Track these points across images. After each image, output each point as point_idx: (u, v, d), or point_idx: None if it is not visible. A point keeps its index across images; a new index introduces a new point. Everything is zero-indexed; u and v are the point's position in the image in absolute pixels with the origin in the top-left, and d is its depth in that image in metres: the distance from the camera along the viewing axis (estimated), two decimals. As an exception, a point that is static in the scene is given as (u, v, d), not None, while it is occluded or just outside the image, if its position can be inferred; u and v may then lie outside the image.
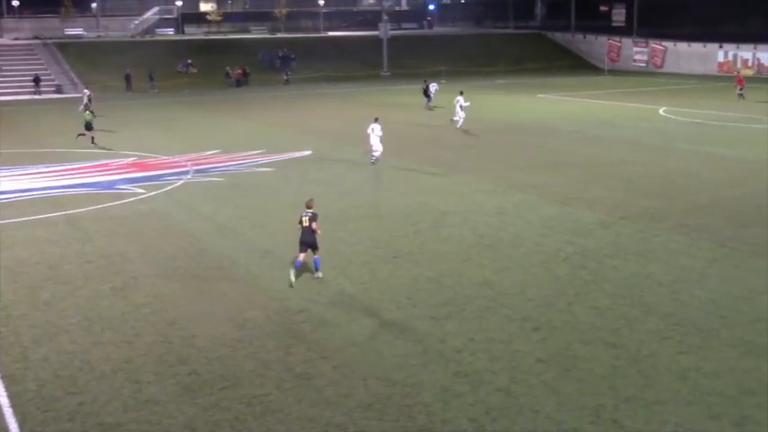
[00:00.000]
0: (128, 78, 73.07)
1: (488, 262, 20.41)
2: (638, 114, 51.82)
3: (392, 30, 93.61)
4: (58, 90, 72.46)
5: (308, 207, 19.53)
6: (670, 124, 46.76)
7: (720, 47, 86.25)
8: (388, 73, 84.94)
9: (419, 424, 12.32)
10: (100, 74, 75.83)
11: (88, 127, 41.15)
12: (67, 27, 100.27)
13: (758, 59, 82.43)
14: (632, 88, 67.22)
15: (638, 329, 15.89)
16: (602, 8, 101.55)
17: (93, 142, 40.50)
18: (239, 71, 78.80)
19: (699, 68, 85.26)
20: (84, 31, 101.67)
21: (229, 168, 34.03)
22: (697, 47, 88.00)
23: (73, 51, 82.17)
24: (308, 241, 19.25)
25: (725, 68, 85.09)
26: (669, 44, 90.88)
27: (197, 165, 34.84)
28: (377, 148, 34.23)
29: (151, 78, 73.90)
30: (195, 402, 13.09)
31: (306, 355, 14.89)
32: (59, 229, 24.43)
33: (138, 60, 78.84)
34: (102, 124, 44.26)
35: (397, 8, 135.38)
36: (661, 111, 53.04)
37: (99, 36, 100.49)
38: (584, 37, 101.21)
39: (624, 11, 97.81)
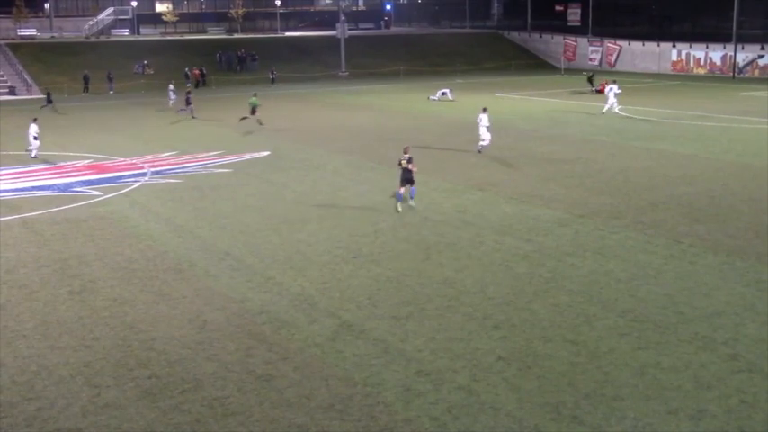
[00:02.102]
0: (86, 80, 72.18)
1: (448, 261, 20.48)
2: (594, 113, 52.27)
3: (349, 30, 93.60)
4: (12, 92, 71.46)
5: (405, 152, 25.56)
6: (625, 122, 47.23)
7: (674, 46, 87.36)
8: (346, 73, 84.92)
9: (381, 423, 12.34)
10: (55, 75, 74.94)
11: (253, 111, 46.69)
12: (20, 28, 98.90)
13: (710, 58, 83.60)
14: (588, 87, 67.75)
15: (596, 326, 16.05)
16: (558, 8, 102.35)
17: (260, 123, 46.23)
18: (197, 72, 78.28)
19: (653, 67, 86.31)
20: (38, 31, 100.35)
21: (187, 170, 33.81)
22: (651, 46, 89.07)
23: (26, 52, 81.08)
24: (408, 177, 25.41)
25: (678, 67, 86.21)
26: (624, 43, 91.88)
27: (154, 166, 34.57)
28: (485, 137, 35.67)
29: (110, 79, 73.16)
30: (155, 406, 13.00)
31: (266, 356, 14.85)
32: (15, 232, 24.11)
33: (93, 62, 78.06)
34: (57, 127, 43.76)
35: (354, 8, 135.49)
36: (616, 109, 53.54)
37: (53, 37, 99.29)
38: (541, 36, 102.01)
39: (579, 10, 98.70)
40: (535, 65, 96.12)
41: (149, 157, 36.77)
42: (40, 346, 15.53)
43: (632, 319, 16.39)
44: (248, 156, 36.82)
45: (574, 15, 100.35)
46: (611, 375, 13.82)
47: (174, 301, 17.93)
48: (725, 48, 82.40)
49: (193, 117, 51.20)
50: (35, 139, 36.80)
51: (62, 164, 35.66)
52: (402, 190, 25.59)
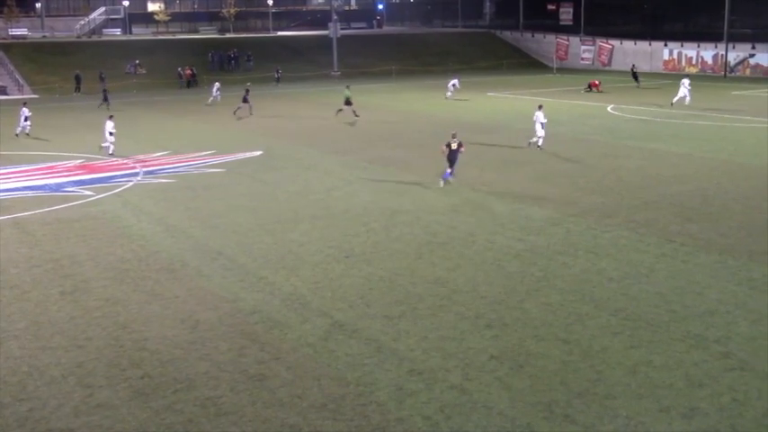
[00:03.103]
0: (77, 79, 71.95)
1: (440, 260, 20.49)
2: (587, 112, 52.37)
3: (342, 29, 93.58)
4: (3, 91, 71.23)
5: (454, 137, 29.04)
6: (617, 121, 47.32)
7: (665, 45, 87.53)
8: (338, 72, 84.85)
9: (373, 423, 12.34)
10: (47, 75, 74.75)
11: (348, 102, 48.84)
12: (11, 28, 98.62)
13: (702, 57, 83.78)
14: (580, 86, 67.87)
15: (589, 325, 16.07)
16: (550, 7, 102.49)
17: (355, 115, 48.24)
18: (189, 71, 78.14)
19: (645, 66, 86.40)
20: (29, 31, 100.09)
21: (179, 170, 33.76)
22: (643, 45, 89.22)
23: (17, 52, 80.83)
24: (454, 158, 28.94)
25: (670, 66, 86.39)
26: (616, 42, 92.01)
27: (146, 166, 34.52)
28: (539, 133, 36.57)
29: (102, 79, 72.94)
30: (148, 406, 12.98)
31: (259, 356, 14.84)
32: (6, 233, 24.04)
33: (85, 61, 77.89)
34: (49, 127, 43.68)
35: (347, 8, 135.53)
36: (609, 108, 53.67)
37: (44, 36, 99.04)
38: (533, 35, 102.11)
39: (571, 9, 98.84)
40: (527, 64, 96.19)
41: (141, 157, 36.70)
42: (32, 346, 15.49)
43: (624, 317, 16.42)
44: (240, 155, 36.79)
45: (566, 14, 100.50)
46: (604, 374, 13.84)
47: (167, 300, 17.90)
48: (716, 47, 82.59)
49: (251, 113, 51.85)
50: (111, 134, 37.13)
51: (53, 164, 35.56)
52: (449, 170, 28.94)
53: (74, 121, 51.78)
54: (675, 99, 52.92)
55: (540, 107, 37.38)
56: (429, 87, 64.28)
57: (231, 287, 18.69)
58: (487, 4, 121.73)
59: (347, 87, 52.03)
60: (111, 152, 37.19)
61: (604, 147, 37.77)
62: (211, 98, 59.70)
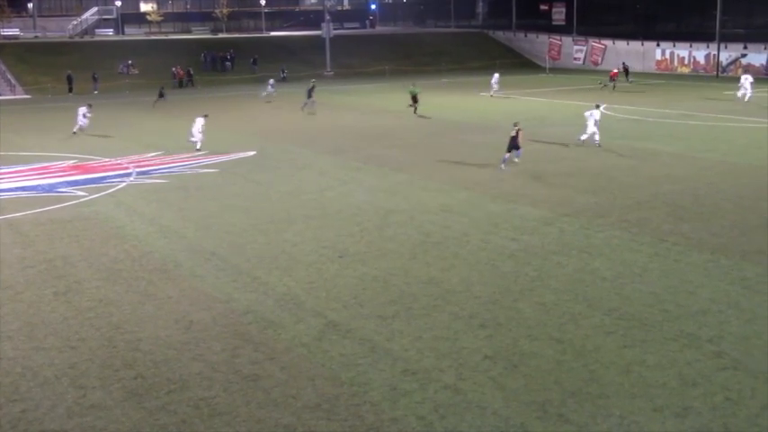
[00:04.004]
0: (69, 80, 71.82)
1: (434, 260, 20.50)
2: (579, 111, 52.31)
3: (335, 29, 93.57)
4: (-6, 92, 71.21)
5: (516, 125, 32.77)
6: (610, 121, 47.30)
7: (658, 45, 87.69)
8: (332, 72, 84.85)
9: (367, 423, 12.34)
10: (39, 75, 74.60)
11: (415, 99, 51.26)
12: (3, 28, 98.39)
13: (694, 57, 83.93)
14: (573, 86, 67.99)
15: (582, 324, 16.10)
16: (543, 7, 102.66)
17: (415, 112, 50.54)
18: (181, 71, 77.96)
19: (637, 66, 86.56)
20: (21, 31, 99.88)
21: (173, 170, 33.72)
22: (635, 45, 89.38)
23: (9, 52, 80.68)
24: (515, 144, 32.52)
25: (662, 66, 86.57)
26: (608, 42, 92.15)
27: (140, 166, 34.47)
28: (589, 131, 37.60)
29: (94, 79, 72.83)
30: (141, 406, 12.96)
31: (253, 356, 14.83)
32: (-1, 233, 24.00)
33: (77, 62, 77.74)
34: (41, 126, 43.60)
35: (339, 8, 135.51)
36: (601, 108, 53.67)
37: (36, 36, 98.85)
38: (526, 35, 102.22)
39: (564, 9, 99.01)
40: (520, 64, 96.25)
41: (135, 158, 36.65)
42: (25, 347, 15.46)
43: (618, 317, 16.45)
44: (234, 156, 36.76)
45: (558, 15, 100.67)
46: (597, 373, 13.87)
47: (160, 301, 17.88)
48: (708, 47, 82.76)
49: (311, 113, 52.84)
50: (200, 132, 38.20)
51: (47, 164, 35.48)
52: (507, 155, 32.51)
53: (67, 121, 51.56)
54: (743, 96, 53.98)
55: (597, 106, 39.57)
56: (422, 87, 64.17)
57: (225, 287, 18.67)
58: (480, 4, 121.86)
59: (413, 84, 53.94)
60: (198, 147, 37.95)
61: (597, 146, 37.77)
62: (266, 93, 62.50)
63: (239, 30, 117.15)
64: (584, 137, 37.72)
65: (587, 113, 38.22)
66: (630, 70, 73.80)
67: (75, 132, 44.27)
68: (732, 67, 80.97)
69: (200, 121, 38.45)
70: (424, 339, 15.46)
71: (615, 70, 68.63)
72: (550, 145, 38.57)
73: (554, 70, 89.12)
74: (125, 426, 12.40)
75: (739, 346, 14.94)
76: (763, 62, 79.23)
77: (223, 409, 12.82)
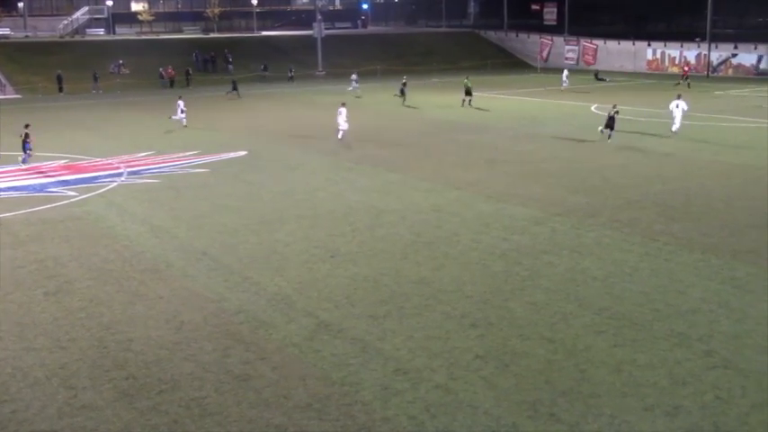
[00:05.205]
0: (59, 79, 71.61)
1: (425, 260, 20.51)
2: (571, 111, 52.54)
3: (326, 29, 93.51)
4: (-14, 91, 70.95)
5: (614, 107, 39.40)
6: (601, 121, 47.33)
7: (649, 45, 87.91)
8: (323, 72, 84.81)
9: (359, 423, 12.34)
10: (30, 75, 74.37)
11: (468, 92, 54.96)
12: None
13: (685, 57, 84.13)
14: (557, 85, 68.07)
15: (573, 324, 16.13)
16: (534, 7, 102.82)
17: (469, 104, 54.69)
18: (172, 72, 77.70)
19: (629, 66, 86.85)
20: (12, 31, 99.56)
21: (164, 170, 33.66)
22: (626, 45, 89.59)
23: (0, 52, 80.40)
24: (610, 125, 38.57)
25: (653, 66, 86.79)
26: (600, 42, 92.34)
27: (131, 166, 34.40)
28: (678, 122, 40.08)
29: (95, 78, 72.62)
30: (133, 407, 12.94)
31: (244, 356, 14.82)
32: (-11, 233, 23.92)
33: (68, 61, 77.52)
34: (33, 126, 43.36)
35: (331, 8, 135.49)
36: (593, 108, 53.83)
37: (27, 36, 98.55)
38: (517, 35, 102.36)
39: (555, 9, 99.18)
40: (512, 64, 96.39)
41: (126, 157, 36.57)
42: (16, 347, 15.42)
43: (609, 316, 16.48)
44: (225, 155, 36.71)
45: (550, 14, 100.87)
46: (588, 373, 13.89)
47: (151, 301, 17.85)
48: (699, 47, 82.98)
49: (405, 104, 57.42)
50: (345, 121, 39.76)
51: (38, 164, 35.35)
52: (604, 129, 38.75)
53: (58, 121, 51.48)
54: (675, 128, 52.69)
55: (678, 96, 41.25)
56: (412, 87, 64.20)
57: (216, 287, 18.65)
58: (472, 4, 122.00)
59: (467, 78, 58.05)
60: (340, 137, 39.64)
61: (588, 146, 37.88)
62: (351, 88, 65.22)
63: (231, 29, 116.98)
64: (675, 127, 40.18)
65: (672, 104, 40.66)
66: (622, 70, 74.11)
67: (185, 126, 46.72)
68: (723, 67, 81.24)
69: (344, 111, 39.79)
70: (416, 339, 15.47)
71: (687, 68, 72.57)
72: (541, 145, 38.62)
73: (545, 70, 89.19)
74: (116, 426, 12.37)
75: (729, 345, 14.98)
76: (754, 62, 79.51)
77: (214, 410, 12.81)
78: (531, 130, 43.68)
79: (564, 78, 69.50)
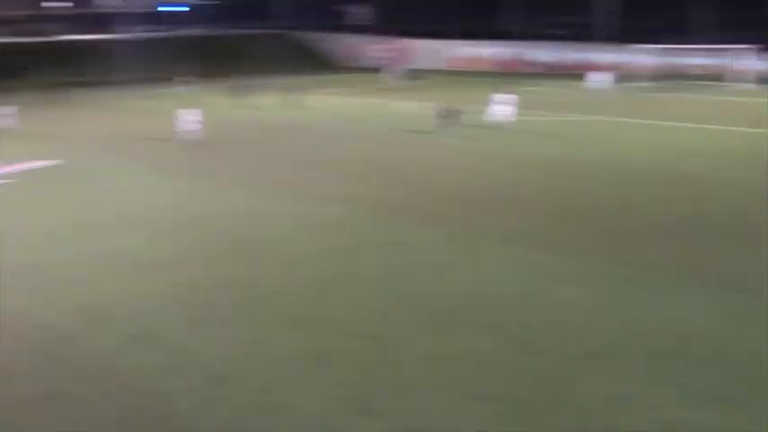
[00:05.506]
0: None
1: (242, 263, 20.28)
2: (390, 110, 53.38)
3: (124, 33, 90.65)
4: None
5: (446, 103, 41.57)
6: (431, 118, 48.25)
7: (457, 43, 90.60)
8: (127, 77, 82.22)
9: (177, 433, 12.02)
10: None
11: (286, 93, 55.75)
12: None
13: (491, 55, 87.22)
14: (373, 84, 69.31)
15: (391, 318, 16.34)
16: (341, 7, 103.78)
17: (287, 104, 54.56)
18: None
19: (436, 64, 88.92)
20: None
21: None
22: (432, 43, 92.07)
23: None
24: (445, 122, 39.74)
25: (461, 64, 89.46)
26: (409, 41, 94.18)
27: None
28: (501, 116, 42.16)
29: None
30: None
31: (53, 373, 14.11)
32: None
33: None
34: None
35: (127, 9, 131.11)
36: (408, 105, 54.81)
37: None
38: (326, 36, 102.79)
39: (365, 10, 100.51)
40: (321, 64, 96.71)
41: None
42: None
43: (425, 310, 16.79)
44: (31, 165, 34.78)
45: (359, 15, 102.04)
46: (405, 366, 14.09)
47: (-53, 322, 16.74)
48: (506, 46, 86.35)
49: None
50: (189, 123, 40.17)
51: None
52: (436, 123, 40.65)
53: None
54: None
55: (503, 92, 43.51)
56: (219, 91, 63.33)
57: (20, 302, 17.68)
58: (277, 4, 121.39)
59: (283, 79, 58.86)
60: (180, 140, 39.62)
61: (407, 142, 38.62)
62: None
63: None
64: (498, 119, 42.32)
65: (494, 98, 43.10)
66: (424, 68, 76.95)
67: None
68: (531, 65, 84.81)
69: (187, 113, 40.13)
70: (235, 343, 15.22)
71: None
72: (359, 143, 39.06)
73: (360, 70, 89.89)
74: None
75: (546, 333, 15.54)
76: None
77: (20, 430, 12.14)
78: (350, 129, 44.04)
79: (382, 77, 71.37)
